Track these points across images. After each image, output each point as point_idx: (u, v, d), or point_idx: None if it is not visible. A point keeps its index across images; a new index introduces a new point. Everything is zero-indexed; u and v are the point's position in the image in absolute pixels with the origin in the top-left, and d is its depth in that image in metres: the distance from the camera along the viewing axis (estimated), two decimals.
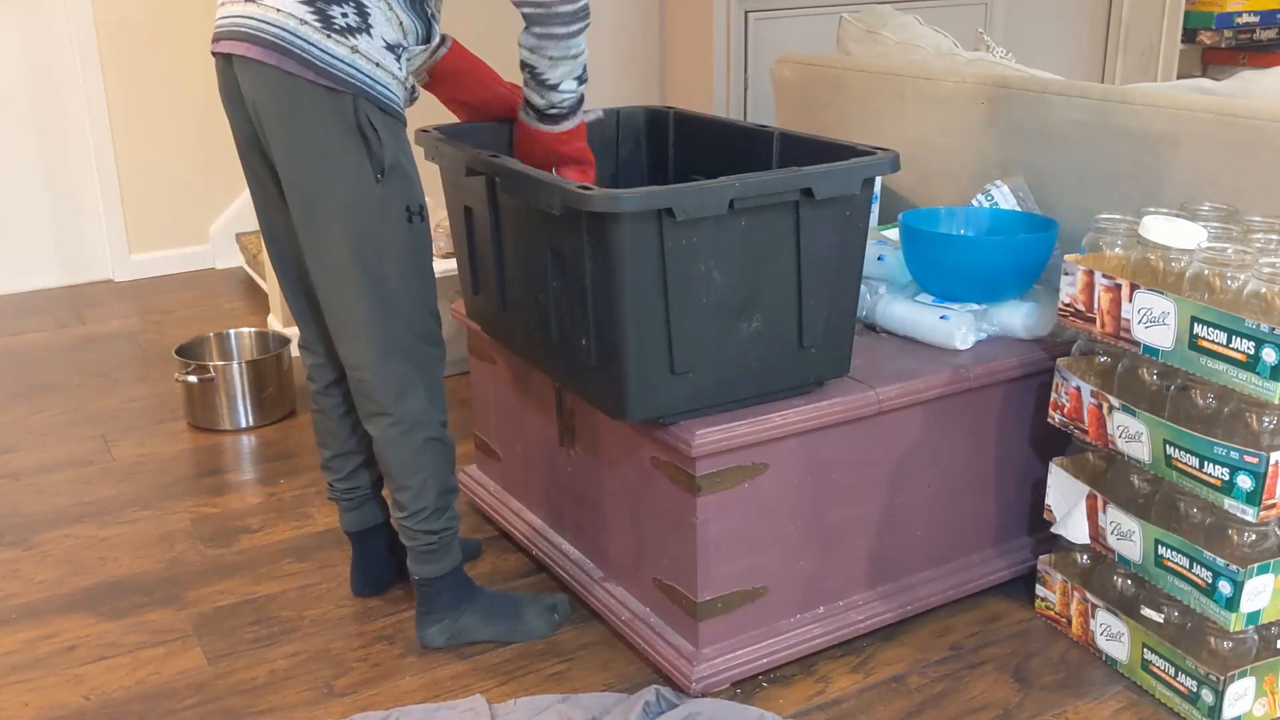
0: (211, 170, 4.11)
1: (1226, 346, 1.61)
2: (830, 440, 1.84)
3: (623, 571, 1.99)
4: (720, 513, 1.78)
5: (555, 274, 1.78)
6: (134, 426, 2.89)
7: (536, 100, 1.91)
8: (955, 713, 1.80)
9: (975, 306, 2.03)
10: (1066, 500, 1.93)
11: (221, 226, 4.19)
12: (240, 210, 4.17)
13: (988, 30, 4.37)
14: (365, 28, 1.68)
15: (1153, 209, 1.85)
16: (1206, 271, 1.67)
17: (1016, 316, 2.02)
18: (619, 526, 1.97)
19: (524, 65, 1.88)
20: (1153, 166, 2.07)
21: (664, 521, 1.84)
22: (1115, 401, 1.80)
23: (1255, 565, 1.64)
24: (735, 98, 4.02)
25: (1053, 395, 1.93)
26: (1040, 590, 2.03)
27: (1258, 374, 1.58)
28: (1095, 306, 1.81)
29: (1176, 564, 1.73)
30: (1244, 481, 1.61)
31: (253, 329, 3.13)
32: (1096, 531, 1.87)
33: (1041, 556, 2.03)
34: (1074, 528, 1.90)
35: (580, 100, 1.93)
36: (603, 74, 4.19)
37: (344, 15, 1.66)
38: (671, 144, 2.24)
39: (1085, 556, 1.99)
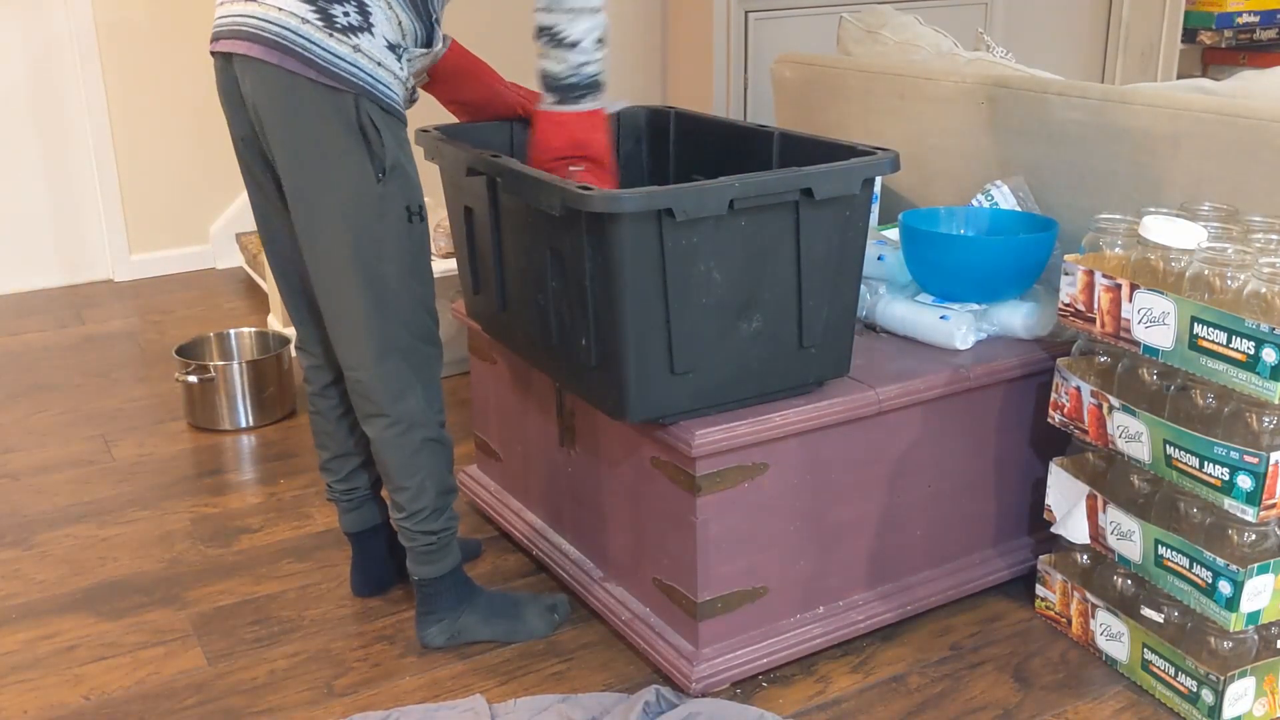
0: (211, 170, 4.11)
1: (1226, 346, 1.61)
2: (830, 440, 1.84)
3: (623, 571, 1.99)
4: (720, 513, 1.78)
5: (555, 274, 1.78)
6: (134, 426, 2.89)
7: (555, 68, 1.81)
8: (955, 713, 1.80)
9: (975, 306, 2.03)
10: (1066, 500, 1.93)
11: (221, 226, 4.19)
12: (240, 210, 4.17)
13: (988, 30, 4.37)
14: (367, 27, 1.68)
15: (1153, 209, 1.85)
16: (1206, 271, 1.67)
17: (1016, 316, 2.02)
18: (619, 526, 1.97)
19: (541, 29, 1.80)
20: (1153, 166, 2.07)
21: (664, 521, 1.84)
22: (1115, 401, 1.80)
23: (1255, 565, 1.64)
24: (735, 98, 4.02)
25: (1053, 395, 1.93)
26: (1040, 590, 2.03)
27: (1258, 374, 1.58)
28: (1095, 306, 1.81)
29: (1176, 564, 1.73)
30: (1244, 481, 1.61)
31: (253, 329, 3.13)
32: (1096, 531, 1.88)
33: (1041, 556, 2.03)
34: (1074, 528, 1.90)
35: (602, 72, 1.83)
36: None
37: (345, 14, 1.66)
38: (672, 144, 2.24)
39: (1085, 556, 1.99)
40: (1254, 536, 1.68)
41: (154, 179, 4.08)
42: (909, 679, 1.88)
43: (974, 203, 2.23)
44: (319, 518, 2.43)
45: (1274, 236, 1.75)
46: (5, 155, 3.88)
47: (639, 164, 2.29)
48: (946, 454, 1.98)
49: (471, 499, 2.41)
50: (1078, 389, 1.87)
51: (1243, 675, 1.72)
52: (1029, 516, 2.11)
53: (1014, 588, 2.10)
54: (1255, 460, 1.60)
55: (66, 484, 2.60)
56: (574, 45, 1.79)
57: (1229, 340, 1.61)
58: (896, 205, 2.59)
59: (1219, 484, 1.65)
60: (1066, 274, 1.86)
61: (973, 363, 1.94)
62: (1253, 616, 1.67)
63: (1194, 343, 1.66)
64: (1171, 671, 1.78)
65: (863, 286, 2.09)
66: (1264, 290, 1.61)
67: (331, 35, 1.65)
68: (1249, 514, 1.63)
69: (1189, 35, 4.86)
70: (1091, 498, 1.88)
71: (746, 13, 3.95)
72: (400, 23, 1.72)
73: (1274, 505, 1.62)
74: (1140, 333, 1.74)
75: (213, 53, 1.75)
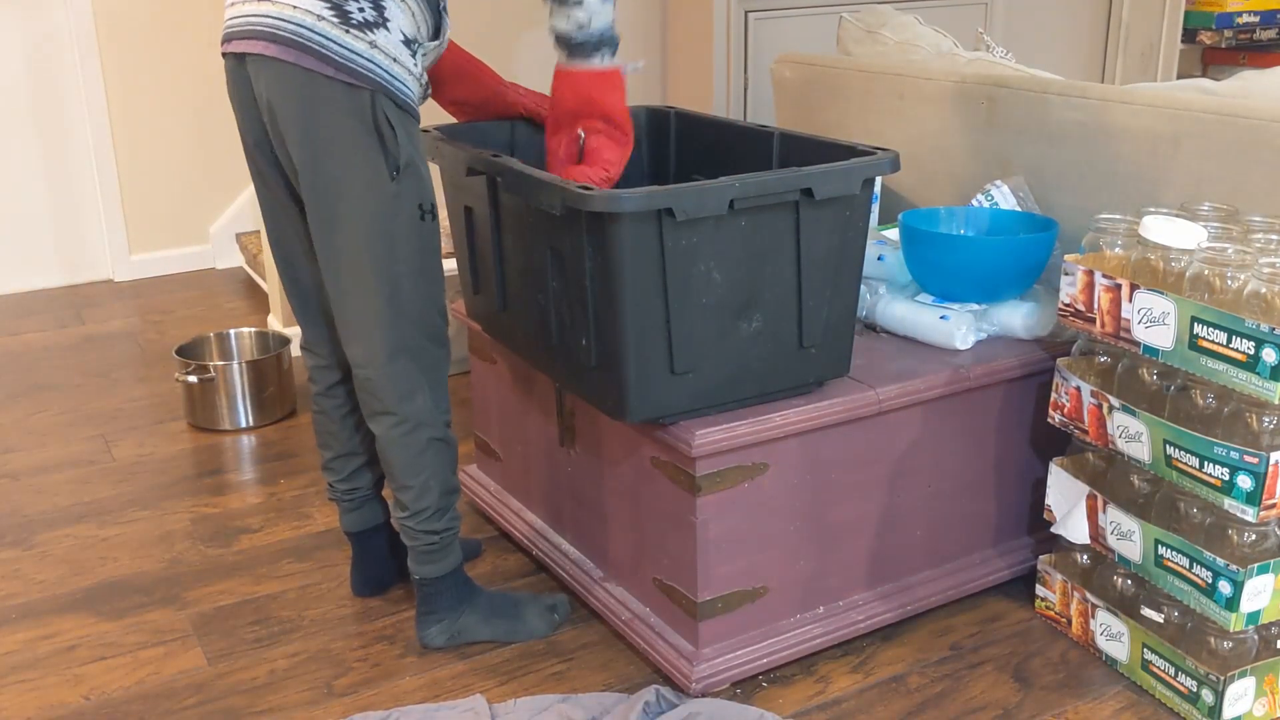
0: (211, 170, 4.11)
1: (1226, 346, 1.61)
2: (830, 440, 1.84)
3: (623, 571, 1.99)
4: (720, 513, 1.78)
5: (555, 274, 1.78)
6: (134, 426, 2.89)
7: (562, 24, 1.77)
8: (955, 713, 1.80)
9: (975, 306, 2.03)
10: (1066, 500, 1.93)
11: (221, 226, 4.19)
12: (240, 210, 4.17)
13: (988, 30, 4.37)
14: (382, 22, 1.68)
15: (1153, 209, 1.85)
16: (1206, 271, 1.67)
17: (1016, 316, 2.02)
18: (619, 526, 1.97)
19: None
20: (1153, 166, 2.07)
21: (664, 521, 1.84)
22: (1115, 401, 1.80)
23: (1255, 565, 1.64)
24: (735, 98, 4.02)
25: (1053, 395, 1.93)
26: (1040, 590, 2.03)
27: (1258, 374, 1.58)
28: (1095, 306, 1.81)
29: (1176, 564, 1.73)
30: (1244, 481, 1.61)
31: (253, 329, 3.13)
32: (1096, 531, 1.88)
33: (1041, 556, 2.03)
34: (1074, 528, 1.90)
35: (610, 29, 1.79)
36: None
37: (361, 10, 1.66)
38: (672, 144, 2.24)
39: (1085, 556, 1.99)
40: (1254, 536, 1.68)
41: (154, 179, 4.08)
42: (909, 679, 1.88)
43: (974, 203, 2.24)
44: (319, 518, 2.43)
45: (1274, 236, 1.75)
46: (5, 155, 3.89)
47: (639, 164, 2.29)
48: (946, 454, 1.98)
49: (471, 499, 2.41)
50: (1078, 389, 1.87)
51: (1243, 675, 1.72)
52: (1029, 516, 2.11)
53: (1014, 588, 2.10)
54: (1255, 460, 1.60)
55: (66, 484, 2.60)
56: (578, 2, 1.75)
57: (1229, 340, 1.61)
58: (896, 205, 2.59)
59: (1219, 484, 1.65)
60: (1066, 274, 1.86)
61: (973, 363, 1.94)
62: (1253, 616, 1.67)
63: (1194, 343, 1.66)
64: (1171, 671, 1.78)
65: (863, 286, 2.09)
66: (1264, 290, 1.61)
67: (348, 32, 1.65)
68: (1249, 514, 1.63)
69: (1189, 35, 4.86)
70: (1091, 498, 1.88)
71: (746, 13, 3.95)
72: (414, 14, 1.72)
73: (1274, 505, 1.62)
74: (1140, 333, 1.74)
75: (225, 54, 1.75)
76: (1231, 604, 1.66)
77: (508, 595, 2.04)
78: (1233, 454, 1.62)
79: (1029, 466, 2.08)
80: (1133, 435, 1.77)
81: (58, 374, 3.24)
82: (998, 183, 2.24)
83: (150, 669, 1.94)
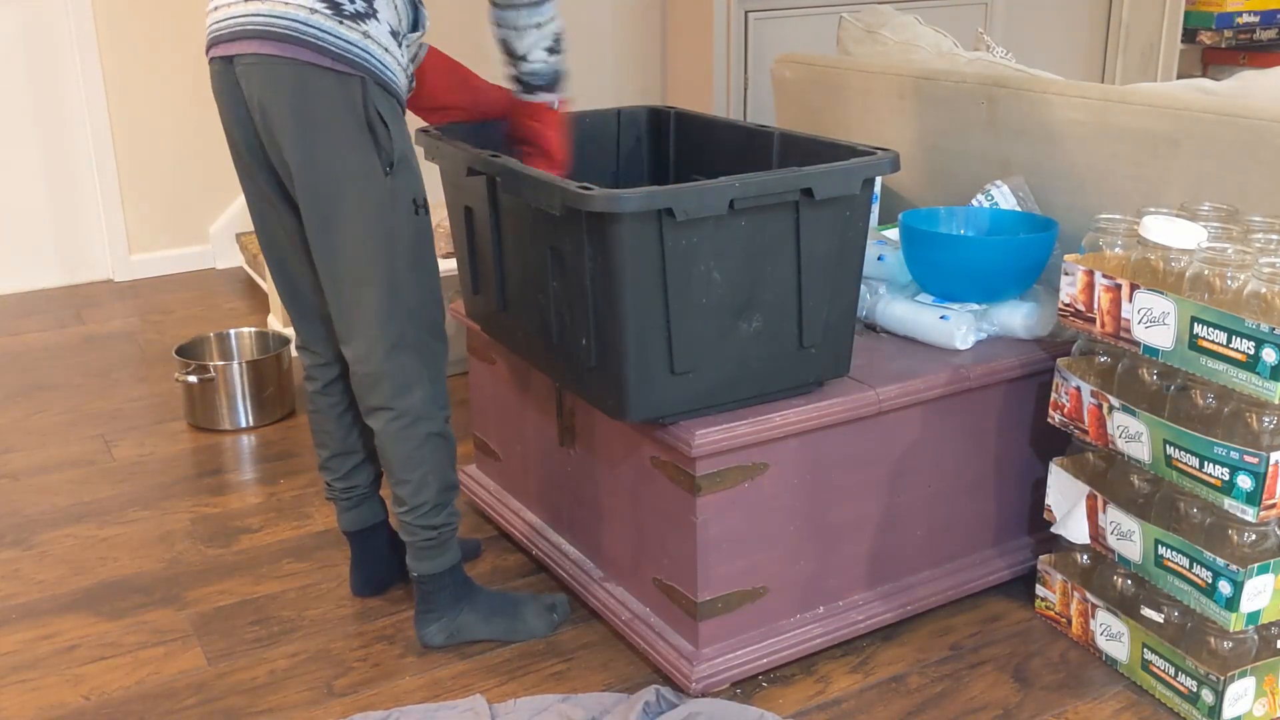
0: (211, 170, 4.11)
1: (1226, 346, 1.61)
2: (830, 440, 1.84)
3: (623, 571, 1.99)
4: (720, 513, 1.78)
5: (555, 274, 1.78)
6: (134, 426, 2.89)
7: (511, 71, 1.96)
8: (955, 713, 1.80)
9: (975, 306, 2.03)
10: (1066, 500, 1.93)
11: (221, 226, 4.19)
12: (240, 210, 4.17)
13: (988, 30, 4.37)
14: (372, 13, 1.70)
15: (1153, 209, 1.85)
16: (1206, 271, 1.67)
17: (1016, 316, 2.02)
18: (619, 526, 1.97)
19: (497, 42, 1.93)
20: (1153, 166, 2.07)
21: (664, 521, 1.84)
22: (1115, 401, 1.80)
23: (1255, 565, 1.64)
24: (735, 98, 4.02)
25: (1053, 395, 1.93)
26: (1040, 590, 2.03)
27: (1258, 374, 1.58)
28: (1095, 306, 1.81)
29: (1176, 564, 1.73)
30: (1244, 481, 1.61)
31: (253, 329, 3.13)
32: (1096, 531, 1.88)
33: (1041, 556, 2.03)
34: (1074, 528, 1.90)
35: (556, 75, 1.96)
36: (604, 73, 4.21)
37: (352, 1, 1.67)
38: (672, 144, 2.24)
39: (1085, 556, 1.99)
40: (1254, 536, 1.68)
41: (154, 179, 4.08)
42: (909, 679, 1.88)
43: (974, 203, 2.24)
44: (319, 518, 2.43)
45: (1274, 236, 1.75)
46: (5, 155, 3.88)
47: (639, 164, 2.29)
48: (946, 454, 1.98)
49: (471, 499, 2.41)
50: (1078, 389, 1.87)
51: (1243, 675, 1.72)
52: (1029, 516, 2.11)
53: (1014, 588, 2.10)
54: (1255, 460, 1.60)
55: (66, 484, 2.60)
56: (523, 58, 1.92)
57: (1229, 340, 1.61)
58: (896, 205, 2.59)
59: (1219, 484, 1.65)
60: (1066, 274, 1.86)
61: (973, 363, 1.94)
62: (1253, 616, 1.67)
63: (1194, 343, 1.66)
64: (1171, 671, 1.78)
65: (863, 286, 2.09)
66: (1264, 290, 1.61)
67: (341, 23, 1.66)
68: (1249, 514, 1.63)
69: (1189, 35, 4.86)
70: (1091, 498, 1.88)
71: (746, 13, 3.95)
72: (397, 6, 1.73)
73: (1274, 505, 1.62)
74: (1140, 333, 1.74)
75: (212, 58, 1.74)
76: (1231, 604, 1.66)
77: (507, 595, 2.04)
78: (1233, 454, 1.62)
79: (1029, 466, 2.08)
80: (1133, 435, 1.77)
81: (58, 374, 3.24)
82: (998, 183, 2.24)
83: (150, 669, 1.94)
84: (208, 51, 1.74)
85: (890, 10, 2.81)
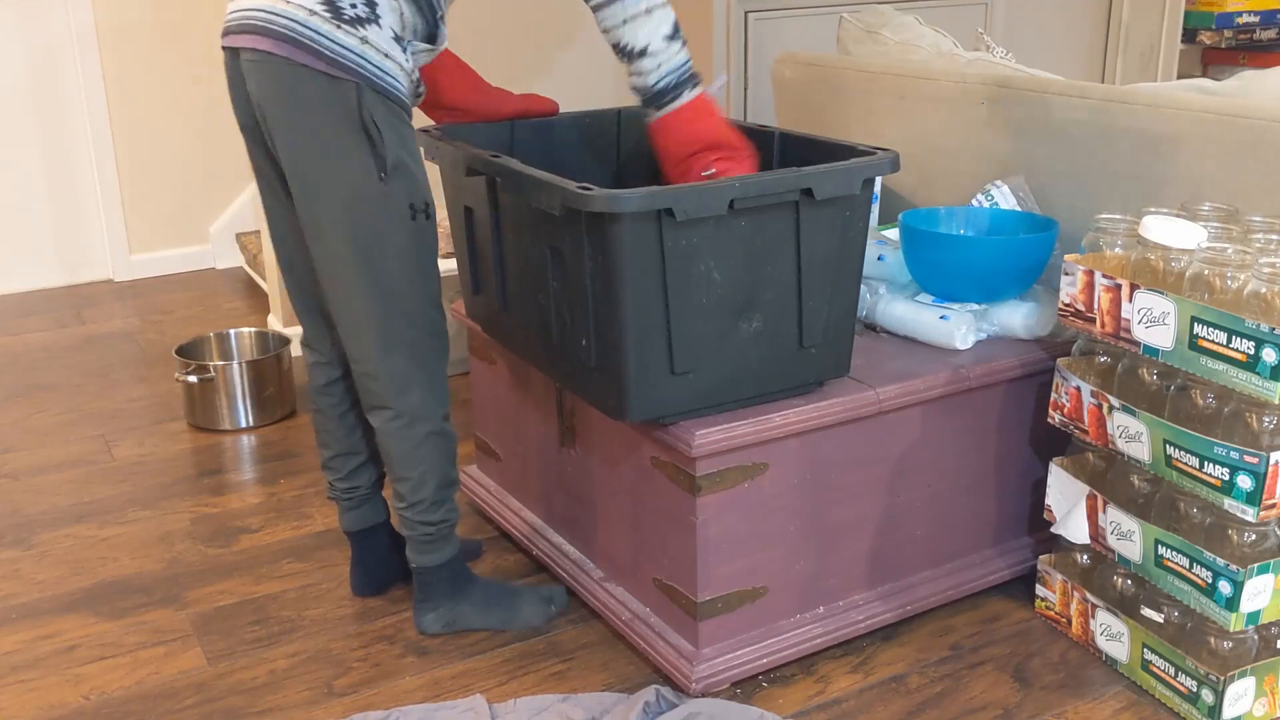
0: (211, 170, 4.11)
1: (1226, 346, 1.61)
2: (830, 440, 1.84)
3: (623, 571, 1.99)
4: (720, 513, 1.78)
5: (555, 274, 1.78)
6: (134, 426, 2.89)
7: (640, 81, 1.79)
8: (955, 713, 1.80)
9: (975, 306, 2.03)
10: (1066, 500, 1.93)
11: (221, 226, 4.19)
12: (240, 210, 4.17)
13: (988, 30, 4.37)
14: (374, 18, 1.69)
15: (1153, 209, 1.85)
16: (1206, 271, 1.67)
17: (1016, 316, 2.02)
18: (619, 526, 1.97)
19: (614, 50, 1.78)
20: (1153, 166, 2.07)
21: (664, 521, 1.84)
22: (1115, 401, 1.80)
23: (1255, 565, 1.64)
24: (735, 98, 4.02)
25: (1053, 395, 1.93)
26: (1040, 590, 2.03)
27: (1258, 374, 1.58)
28: (1095, 306, 1.81)
29: (1176, 564, 1.73)
30: (1244, 481, 1.61)
31: (253, 329, 3.13)
32: (1096, 531, 1.88)
33: (1041, 556, 2.03)
34: (1074, 528, 1.90)
35: (685, 67, 1.79)
36: (604, 73, 4.20)
37: (353, 6, 1.67)
38: None
39: (1085, 556, 1.99)
40: (1254, 536, 1.68)
41: (154, 179, 4.08)
42: (909, 679, 1.88)
43: (974, 203, 2.23)
44: (319, 518, 2.43)
45: (1274, 236, 1.75)
46: (5, 155, 3.89)
47: (639, 164, 2.29)
48: (946, 454, 1.98)
49: (471, 499, 2.41)
50: (1078, 389, 1.87)
51: (1243, 675, 1.72)
52: (1029, 516, 2.11)
53: (1014, 588, 2.10)
54: (1255, 460, 1.60)
55: (66, 484, 2.60)
56: (644, 52, 1.77)
57: (1229, 340, 1.61)
58: (896, 205, 2.59)
59: (1219, 484, 1.65)
60: (1066, 274, 1.86)
61: (973, 363, 1.94)
62: (1253, 616, 1.67)
63: (1194, 343, 1.66)
64: (1171, 671, 1.78)
65: (863, 286, 2.09)
66: (1264, 290, 1.61)
67: (340, 27, 1.66)
68: (1249, 514, 1.63)
69: (1189, 35, 4.86)
70: (1091, 498, 1.88)
71: (746, 13, 3.95)
72: (403, 14, 1.73)
73: (1274, 505, 1.62)
74: (1140, 333, 1.74)
75: (223, 48, 1.76)
76: (1231, 604, 1.66)
77: (504, 585, 2.05)
78: (1233, 454, 1.62)
79: (1029, 466, 2.08)
80: (1133, 435, 1.77)
81: (58, 374, 3.24)
82: (998, 183, 2.24)
83: (150, 669, 1.94)
84: (221, 40, 1.76)
85: (890, 10, 2.81)
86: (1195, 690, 1.75)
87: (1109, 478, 1.90)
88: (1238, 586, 1.64)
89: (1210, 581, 1.68)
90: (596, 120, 2.24)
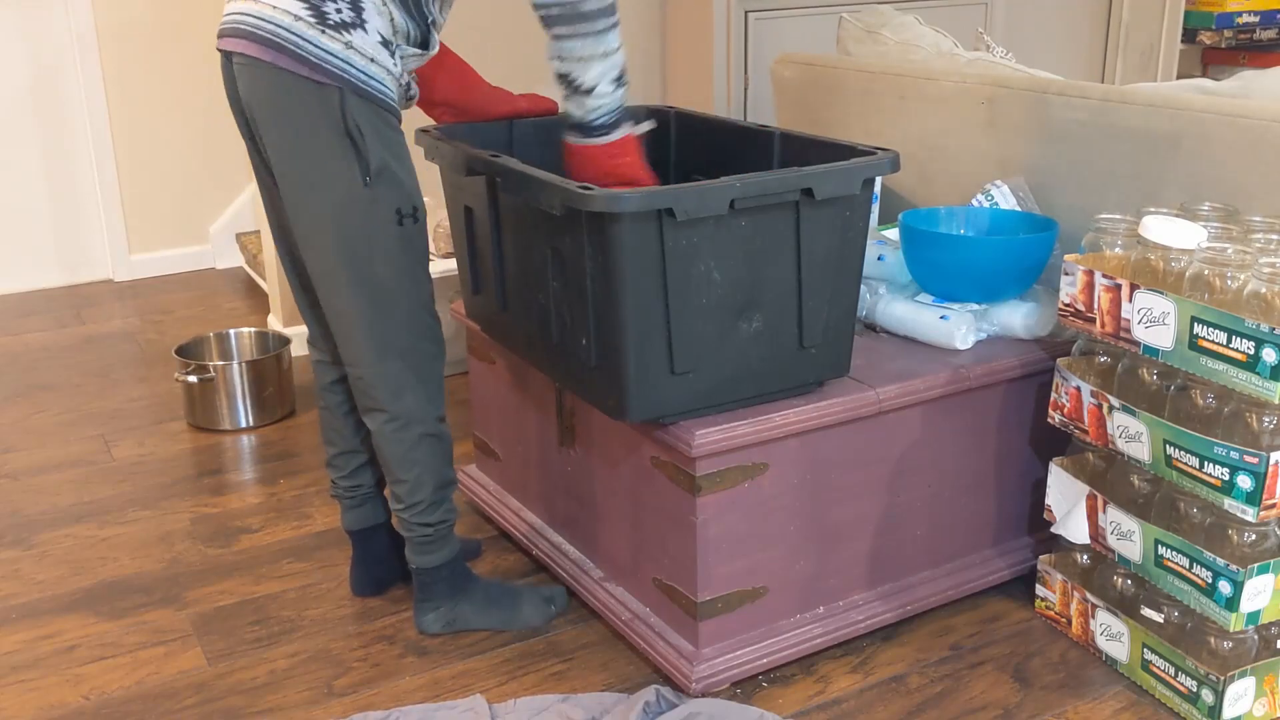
0: (212, 170, 4.11)
1: (1226, 346, 1.61)
2: (830, 440, 1.84)
3: (622, 571, 1.99)
4: (720, 513, 1.78)
5: (555, 274, 1.78)
6: (134, 426, 2.89)
7: (576, 112, 1.83)
8: (955, 713, 1.80)
9: (975, 306, 2.03)
10: (1066, 500, 1.93)
11: (221, 226, 4.19)
12: (240, 210, 4.17)
13: (988, 30, 4.37)
14: (360, 23, 1.69)
15: (1153, 209, 1.85)
16: (1206, 271, 1.67)
17: (1016, 316, 2.02)
18: (619, 526, 1.97)
19: (558, 77, 1.81)
20: (1153, 166, 2.07)
21: (664, 521, 1.84)
22: (1115, 401, 1.80)
23: (1255, 565, 1.64)
24: (735, 98, 4.02)
25: (1053, 395, 1.93)
26: (1040, 590, 2.03)
27: (1258, 374, 1.58)
28: (1095, 306, 1.81)
29: (1176, 564, 1.73)
30: (1244, 481, 1.61)
31: (253, 329, 3.13)
32: (1096, 531, 1.87)
33: (1041, 556, 2.03)
34: (1074, 528, 1.90)
35: (621, 107, 1.84)
36: None
37: (338, 11, 1.67)
38: (672, 144, 2.24)
39: (1085, 556, 1.99)
40: (1254, 536, 1.68)
41: (154, 179, 4.08)
42: (909, 679, 1.88)
43: (974, 203, 2.23)
44: (319, 518, 2.43)
45: (1274, 236, 1.75)
46: (5, 155, 3.89)
47: None
48: (946, 454, 1.98)
49: (471, 499, 2.41)
50: (1078, 389, 1.87)
51: (1243, 675, 1.72)
52: (1029, 516, 2.11)
53: (1014, 588, 2.10)
54: (1255, 460, 1.60)
55: (66, 484, 2.60)
56: (590, 91, 1.79)
57: (1229, 340, 1.61)
58: (896, 205, 2.59)
59: (1219, 484, 1.65)
60: (1066, 274, 1.86)
61: (973, 363, 1.94)
62: (1253, 616, 1.67)
63: (1194, 343, 1.66)
64: (1171, 671, 1.78)
65: (863, 286, 2.09)
66: (1264, 290, 1.61)
67: (324, 32, 1.66)
68: (1249, 514, 1.63)
69: (1189, 35, 4.86)
70: (1091, 498, 1.87)
71: (746, 13, 3.94)
72: (392, 18, 1.72)
73: (1274, 505, 1.62)
74: (1140, 333, 1.74)
75: (219, 49, 1.77)
76: (1231, 604, 1.66)
77: (505, 585, 2.05)
78: (1233, 454, 1.62)
79: (1029, 466, 2.08)
80: (1133, 435, 1.77)
81: (58, 374, 3.24)
82: (998, 183, 2.24)
83: (150, 669, 1.94)
84: (217, 42, 1.77)
85: (890, 10, 2.81)
86: (1195, 690, 1.75)
87: (1109, 478, 1.90)
88: (1238, 586, 1.64)
89: (1210, 581, 1.68)
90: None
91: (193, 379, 2.83)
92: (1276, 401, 1.58)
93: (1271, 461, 1.59)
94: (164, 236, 4.16)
